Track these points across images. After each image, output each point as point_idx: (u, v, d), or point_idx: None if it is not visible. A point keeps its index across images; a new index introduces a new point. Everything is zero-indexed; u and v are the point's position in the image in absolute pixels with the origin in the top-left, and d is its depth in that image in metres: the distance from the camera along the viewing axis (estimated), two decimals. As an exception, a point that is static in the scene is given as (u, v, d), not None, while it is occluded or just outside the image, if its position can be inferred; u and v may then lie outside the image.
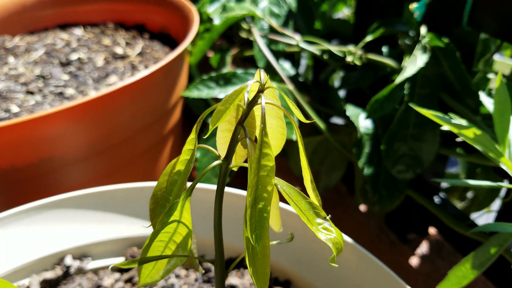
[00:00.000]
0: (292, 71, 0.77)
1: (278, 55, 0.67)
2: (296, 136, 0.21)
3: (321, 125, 0.59)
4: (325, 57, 0.64)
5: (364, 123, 0.55)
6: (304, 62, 1.08)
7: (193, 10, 0.64)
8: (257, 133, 0.19)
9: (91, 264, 0.42)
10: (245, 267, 0.41)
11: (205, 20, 0.68)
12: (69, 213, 0.43)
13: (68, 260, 0.42)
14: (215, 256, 0.24)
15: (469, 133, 0.34)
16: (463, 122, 0.35)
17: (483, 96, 0.39)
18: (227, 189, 0.41)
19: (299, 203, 0.21)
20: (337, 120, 0.72)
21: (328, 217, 0.21)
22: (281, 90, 0.57)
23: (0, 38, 0.74)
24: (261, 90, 0.19)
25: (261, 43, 0.63)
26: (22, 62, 0.68)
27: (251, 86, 0.20)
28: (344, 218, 0.75)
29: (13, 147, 0.44)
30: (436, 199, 0.61)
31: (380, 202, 0.54)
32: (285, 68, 0.77)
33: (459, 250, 0.58)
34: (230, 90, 0.54)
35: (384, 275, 0.35)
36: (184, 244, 0.22)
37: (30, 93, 0.60)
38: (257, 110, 0.21)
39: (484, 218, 0.71)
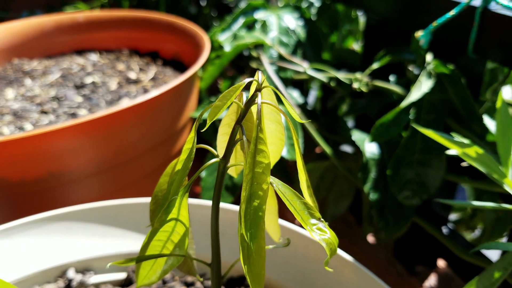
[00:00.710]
0: (300, 100, 0.78)
1: (286, 82, 0.69)
2: (293, 138, 0.22)
3: (328, 150, 0.60)
4: (332, 84, 0.65)
5: (370, 148, 0.56)
6: (314, 93, 1.10)
7: (205, 38, 0.67)
8: (253, 130, 0.20)
9: (93, 279, 0.43)
10: (246, 286, 0.41)
11: (217, 47, 0.70)
12: (74, 226, 0.43)
13: (71, 274, 0.42)
14: (211, 259, 0.25)
15: (472, 152, 0.35)
16: (467, 141, 0.35)
17: (486, 119, 0.40)
18: (228, 206, 0.42)
19: (294, 203, 0.21)
20: (345, 149, 0.73)
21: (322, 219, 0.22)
22: (287, 114, 0.58)
23: (18, 61, 0.78)
24: (258, 89, 0.20)
25: (270, 70, 0.65)
26: (38, 84, 0.71)
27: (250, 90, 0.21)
28: (351, 248, 0.74)
29: (23, 161, 0.45)
30: (445, 230, 0.60)
31: (386, 229, 0.54)
32: (293, 96, 0.79)
33: (469, 281, 0.57)
34: (238, 112, 0.56)
35: (386, 294, 0.35)
36: (181, 243, 0.23)
37: (44, 113, 0.63)
38: (254, 106, 0.22)
39: (494, 251, 0.70)
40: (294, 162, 0.92)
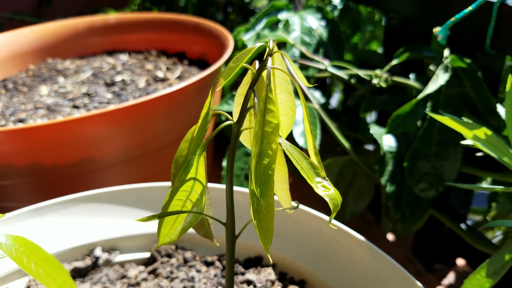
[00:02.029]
0: (322, 100, 0.80)
1: (307, 80, 0.71)
2: (301, 103, 0.24)
3: (346, 144, 0.62)
4: (353, 81, 0.67)
5: (387, 141, 0.57)
6: (337, 96, 1.12)
7: (229, 37, 0.71)
8: (263, 90, 0.22)
9: (118, 257, 0.46)
10: (263, 266, 0.44)
11: (240, 47, 0.74)
12: (102, 207, 0.47)
13: (98, 252, 0.45)
14: (226, 218, 0.27)
15: (481, 134, 0.36)
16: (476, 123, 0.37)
17: (499, 107, 0.41)
18: (242, 189, 0.44)
19: (301, 162, 0.24)
20: (366, 147, 0.75)
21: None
22: (304, 105, 0.60)
23: (53, 61, 0.83)
24: (269, 54, 0.23)
25: (290, 67, 0.68)
26: (70, 82, 0.75)
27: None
28: (371, 246, 0.75)
29: (56, 147, 0.49)
30: (463, 226, 0.61)
31: (403, 221, 0.55)
32: (315, 96, 0.81)
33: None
34: (258, 106, 0.58)
35: (395, 271, 0.36)
36: (199, 202, 0.25)
37: (76, 107, 0.67)
38: (266, 75, 0.25)
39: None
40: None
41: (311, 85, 0.23)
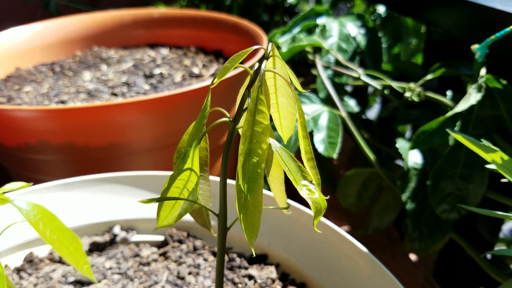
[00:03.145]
0: (356, 108, 0.81)
1: (340, 87, 0.73)
2: (296, 106, 0.26)
3: (371, 156, 0.62)
4: (386, 92, 0.68)
5: (413, 157, 0.58)
6: (378, 107, 1.12)
7: (264, 38, 0.73)
8: (254, 91, 0.25)
9: (135, 237, 0.50)
10: (266, 263, 0.46)
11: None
12: (125, 189, 0.51)
13: (117, 230, 0.49)
14: (219, 210, 0.30)
15: (498, 158, 0.37)
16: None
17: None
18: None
19: (288, 164, 0.26)
20: (399, 163, 0.75)
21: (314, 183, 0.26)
22: (331, 113, 0.62)
23: (98, 49, 0.89)
24: (266, 58, 0.25)
25: (323, 75, 0.70)
26: (112, 71, 0.81)
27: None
28: (391, 264, 0.75)
29: (88, 129, 0.54)
30: (489, 255, 0.60)
31: (420, 240, 0.55)
32: (349, 104, 0.82)
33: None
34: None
35: (393, 286, 0.37)
36: (194, 191, 0.28)
37: (115, 95, 0.72)
38: (269, 80, 0.27)
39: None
40: (340, 165, 0.95)
41: (304, 91, 0.25)
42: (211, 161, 0.67)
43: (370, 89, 0.92)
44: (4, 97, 0.69)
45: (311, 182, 0.26)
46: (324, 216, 0.91)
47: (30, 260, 0.45)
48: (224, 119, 0.27)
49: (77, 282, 0.42)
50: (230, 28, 0.84)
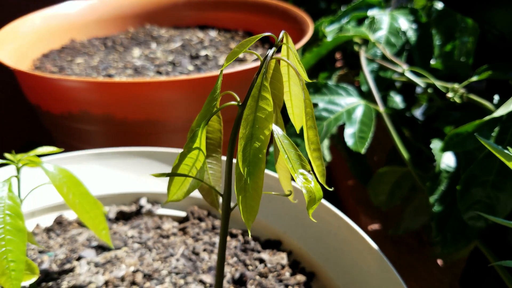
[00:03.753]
0: (401, 105, 0.80)
1: (384, 82, 0.71)
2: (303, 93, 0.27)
3: (405, 155, 0.62)
4: (429, 91, 0.67)
5: (447, 159, 0.56)
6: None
7: (311, 26, 0.73)
8: (259, 77, 0.26)
9: (159, 210, 0.53)
10: (279, 250, 0.47)
11: (321, 37, 0.76)
12: (155, 164, 0.54)
13: (143, 202, 0.53)
14: (223, 190, 0.31)
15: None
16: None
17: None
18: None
19: (288, 152, 0.27)
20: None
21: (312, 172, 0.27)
22: (366, 108, 0.62)
23: (150, 27, 0.93)
24: (276, 45, 0.26)
25: (366, 68, 0.69)
26: (161, 49, 0.84)
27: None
28: (417, 266, 0.74)
29: (127, 103, 0.57)
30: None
31: (443, 244, 0.54)
32: (395, 100, 0.81)
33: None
34: (318, 99, 0.61)
35: (397, 286, 0.38)
36: (202, 170, 0.30)
37: (159, 73, 0.75)
38: (283, 67, 0.28)
39: None
40: (377, 162, 0.93)
41: (310, 80, 0.26)
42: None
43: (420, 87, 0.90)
44: (56, 67, 0.75)
45: (309, 171, 0.27)
46: (356, 212, 0.91)
47: (59, 222, 0.49)
48: (233, 102, 0.28)
49: (99, 247, 0.46)
50: (278, 14, 0.85)
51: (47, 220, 0.50)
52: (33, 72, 0.56)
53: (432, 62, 0.78)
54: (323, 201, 0.46)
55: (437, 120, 0.69)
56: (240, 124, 0.29)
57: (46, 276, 0.42)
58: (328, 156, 0.76)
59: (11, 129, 0.99)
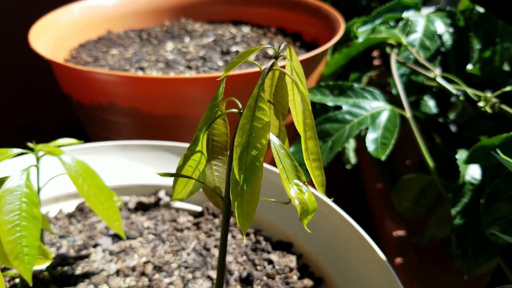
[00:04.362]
0: (434, 110, 0.78)
1: (415, 86, 0.70)
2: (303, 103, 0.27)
3: (430, 163, 0.60)
4: (461, 98, 0.65)
5: (473, 171, 0.55)
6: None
7: (342, 25, 0.73)
8: (256, 88, 0.26)
9: (176, 204, 0.54)
10: (289, 252, 0.47)
11: (352, 37, 0.75)
12: (175, 158, 0.55)
13: (162, 194, 0.54)
14: (224, 194, 0.32)
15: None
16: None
17: None
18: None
19: (284, 162, 0.27)
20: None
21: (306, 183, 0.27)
22: (392, 113, 0.60)
23: (185, 21, 0.95)
24: (275, 57, 0.27)
25: (395, 71, 0.68)
26: (193, 44, 0.86)
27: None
28: (440, 277, 0.73)
29: (152, 98, 0.59)
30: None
31: (463, 259, 0.53)
32: (428, 104, 0.79)
33: None
34: (343, 101, 0.60)
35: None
36: (203, 172, 0.31)
37: (189, 68, 0.77)
38: (288, 77, 0.28)
39: None
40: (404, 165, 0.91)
41: (307, 93, 0.26)
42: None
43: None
44: (91, 57, 0.77)
45: (304, 182, 0.27)
46: (382, 216, 0.90)
47: (81, 209, 0.51)
48: (234, 110, 0.29)
49: (115, 236, 0.48)
50: (311, 11, 0.84)
51: (70, 206, 0.52)
52: (65, 63, 0.59)
53: (469, 67, 0.76)
54: (336, 208, 0.46)
55: (467, 128, 0.67)
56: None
57: (63, 260, 0.44)
58: (353, 159, 0.76)
59: (54, 115, 1.04)
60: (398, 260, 0.77)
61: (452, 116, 0.91)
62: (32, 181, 0.35)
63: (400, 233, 0.82)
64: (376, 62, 0.97)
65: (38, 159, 0.37)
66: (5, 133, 0.98)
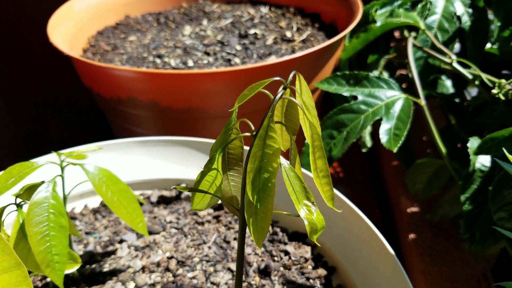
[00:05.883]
0: (451, 90, 0.78)
1: (432, 69, 0.69)
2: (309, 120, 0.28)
3: (442, 148, 0.61)
4: (477, 82, 0.64)
5: (482, 159, 0.56)
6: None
7: (361, 9, 0.72)
8: (266, 120, 0.28)
9: (196, 196, 0.57)
10: (305, 243, 0.50)
11: (371, 21, 0.74)
12: (194, 153, 0.57)
13: (182, 187, 0.57)
14: (240, 206, 0.34)
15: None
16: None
17: None
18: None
19: (294, 185, 0.29)
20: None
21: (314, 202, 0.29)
22: (406, 102, 0.61)
23: (203, 2, 0.95)
24: (284, 87, 0.28)
25: (411, 55, 0.67)
26: (211, 26, 0.86)
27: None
28: (452, 252, 0.74)
29: (171, 92, 0.60)
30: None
31: (471, 242, 0.55)
32: (445, 84, 0.79)
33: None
34: (358, 91, 0.61)
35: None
36: (219, 188, 0.33)
37: (207, 53, 0.77)
38: (298, 97, 0.30)
39: None
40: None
41: (312, 119, 0.28)
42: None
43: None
44: (109, 45, 0.79)
45: (313, 203, 0.29)
46: (397, 193, 0.91)
47: (105, 205, 0.54)
48: (247, 134, 0.30)
49: (140, 229, 0.51)
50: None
51: (95, 202, 0.56)
52: (84, 59, 0.60)
53: (488, 46, 0.74)
54: (349, 202, 0.47)
55: (481, 113, 0.67)
56: (251, 150, 0.31)
57: (91, 257, 0.47)
58: (369, 142, 0.76)
59: (76, 94, 1.06)
60: (412, 236, 0.79)
61: (469, 94, 0.90)
62: (58, 191, 0.37)
63: (414, 209, 0.84)
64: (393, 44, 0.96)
65: (62, 169, 0.40)
66: (27, 110, 1.00)
